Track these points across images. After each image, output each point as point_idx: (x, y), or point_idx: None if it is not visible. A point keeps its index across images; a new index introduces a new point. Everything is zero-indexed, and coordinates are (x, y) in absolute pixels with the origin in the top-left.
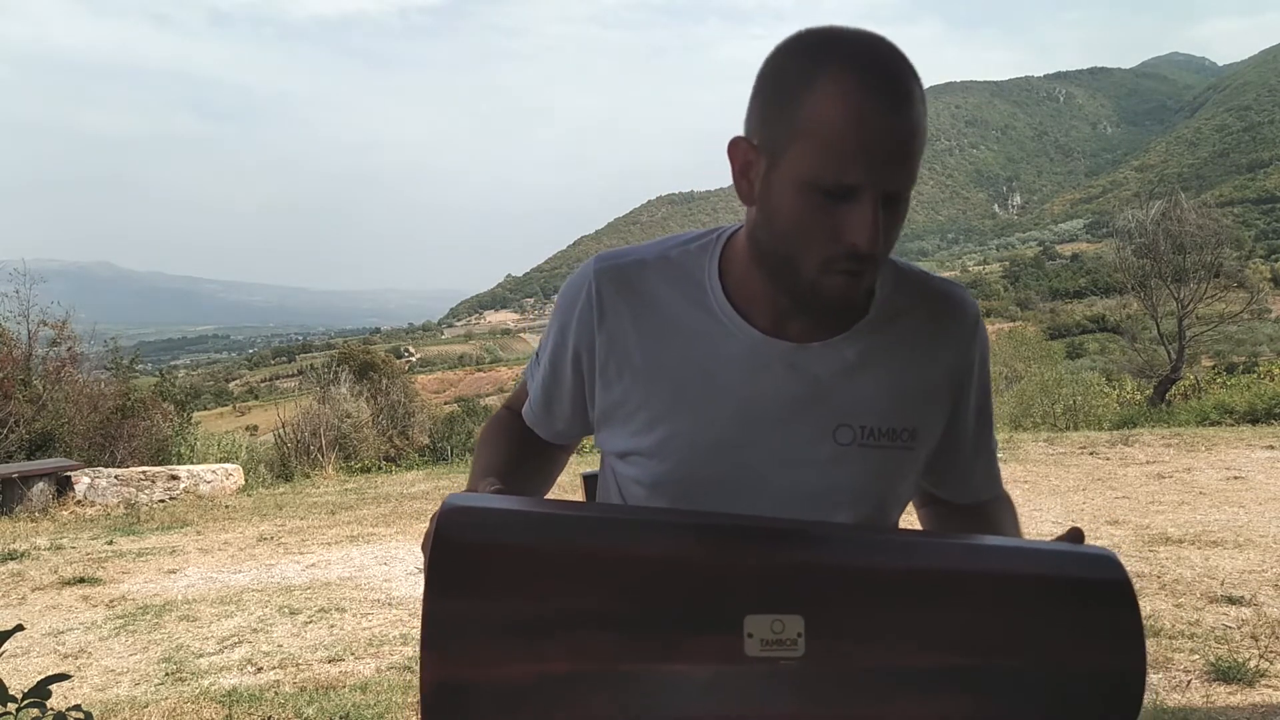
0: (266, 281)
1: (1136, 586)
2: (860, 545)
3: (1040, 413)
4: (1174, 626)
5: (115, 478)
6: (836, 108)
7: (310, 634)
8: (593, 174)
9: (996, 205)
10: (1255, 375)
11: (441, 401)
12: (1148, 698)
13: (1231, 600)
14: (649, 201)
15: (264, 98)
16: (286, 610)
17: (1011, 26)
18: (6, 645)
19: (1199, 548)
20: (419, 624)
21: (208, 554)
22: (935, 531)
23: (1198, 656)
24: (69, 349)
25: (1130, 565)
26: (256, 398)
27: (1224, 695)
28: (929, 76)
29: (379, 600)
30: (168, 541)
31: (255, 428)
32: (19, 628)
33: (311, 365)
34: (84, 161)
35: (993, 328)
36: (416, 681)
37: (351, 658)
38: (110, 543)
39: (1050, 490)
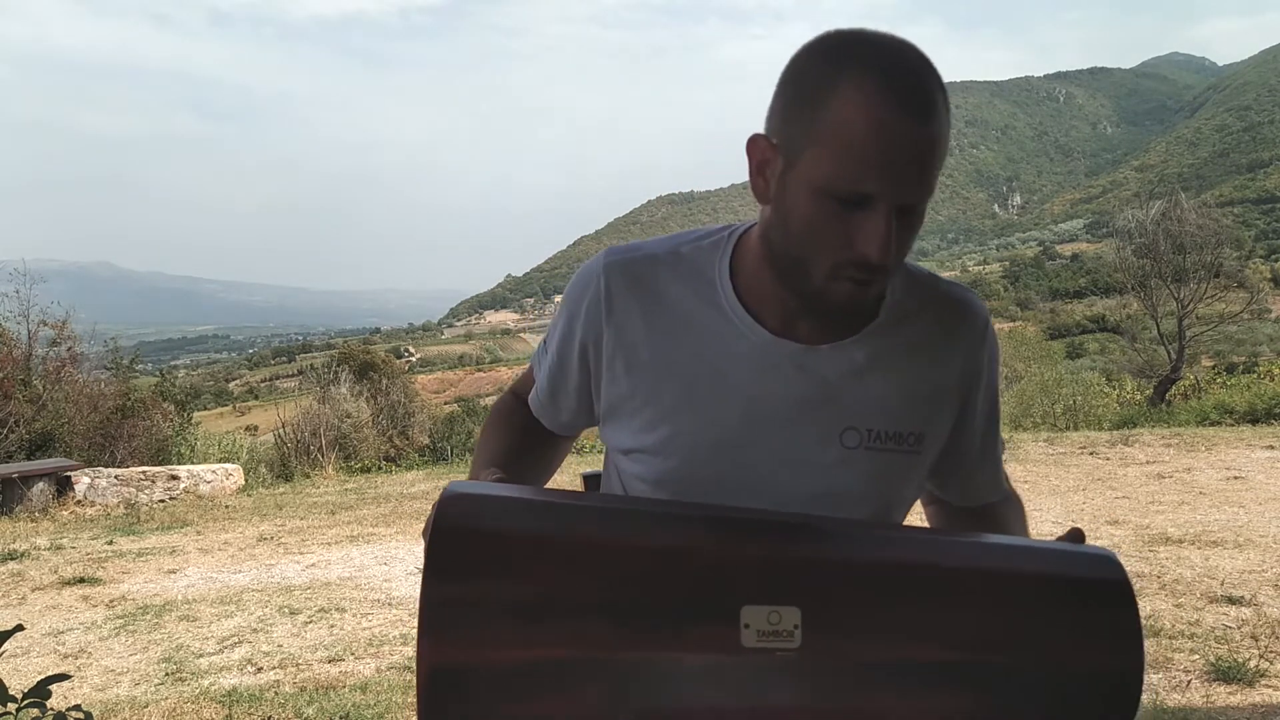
0: (266, 281)
1: (1136, 586)
2: (860, 540)
3: (1040, 413)
4: (1174, 626)
5: (115, 478)
6: (858, 115)
7: (310, 634)
8: (593, 174)
9: (996, 205)
10: (1255, 375)
11: (441, 401)
12: (1147, 698)
13: (1231, 600)
14: (649, 201)
15: (264, 98)
16: (286, 610)
17: (1011, 26)
18: (6, 645)
19: (1199, 548)
20: (419, 628)
21: (208, 554)
22: (936, 529)
23: (1198, 656)
24: (69, 349)
25: (1130, 565)
26: (256, 398)
27: (1224, 695)
28: None
29: (379, 600)
30: (168, 541)
31: (255, 428)
32: (19, 628)
33: (311, 365)
34: (84, 161)
35: None
36: (416, 681)
37: (351, 658)
38: (110, 543)
39: (1050, 490)
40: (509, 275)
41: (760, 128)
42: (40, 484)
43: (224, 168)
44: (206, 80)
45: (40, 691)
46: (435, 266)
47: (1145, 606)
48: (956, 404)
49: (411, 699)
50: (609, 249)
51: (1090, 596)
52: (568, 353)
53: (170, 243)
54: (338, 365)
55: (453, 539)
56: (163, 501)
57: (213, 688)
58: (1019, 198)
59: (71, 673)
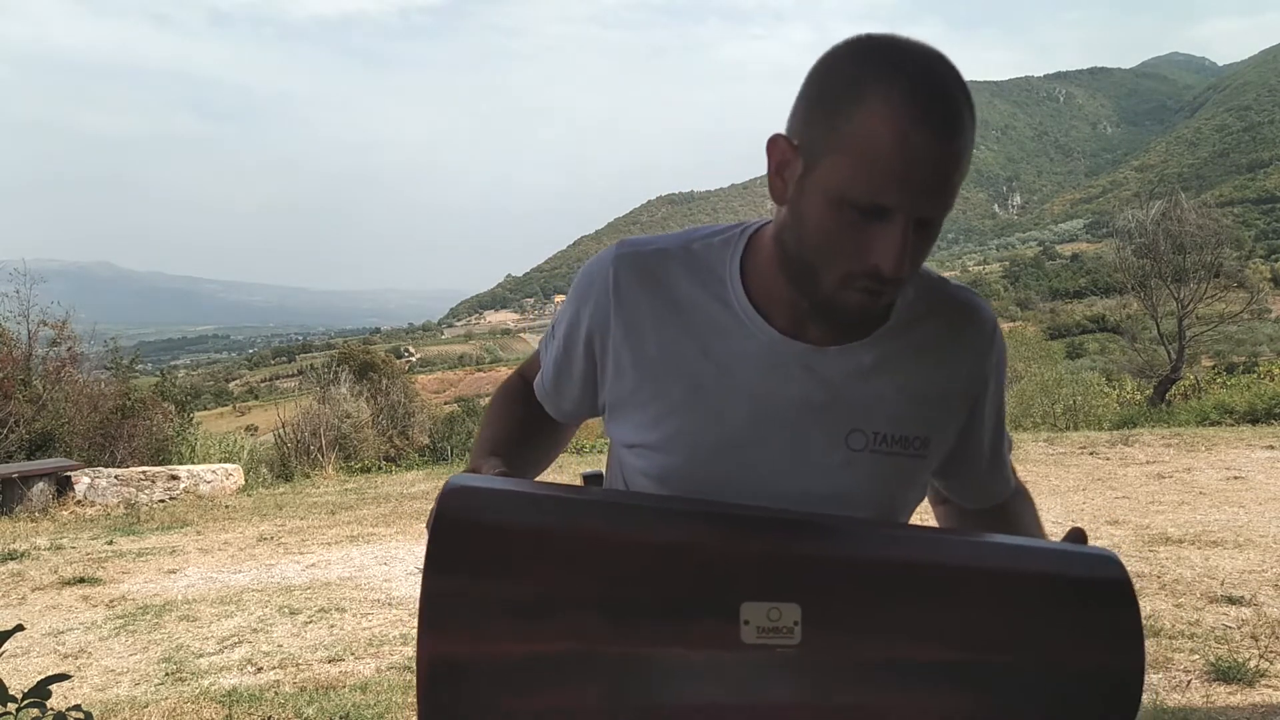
0: (266, 281)
1: (1136, 586)
2: (861, 538)
3: (1040, 413)
4: (1174, 626)
5: (115, 478)
6: (882, 127)
7: (310, 634)
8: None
9: (996, 205)
10: (1255, 375)
11: (441, 401)
12: (1148, 698)
13: (1231, 600)
14: (649, 201)
15: (264, 98)
16: (286, 610)
17: (1011, 26)
18: (6, 645)
19: (1199, 548)
20: (419, 621)
21: (208, 554)
22: (938, 528)
23: (1198, 656)
24: (69, 349)
25: (1130, 565)
26: (256, 398)
27: (1224, 695)
28: None
29: (379, 600)
30: (168, 541)
31: (255, 428)
32: (19, 628)
33: (311, 365)
34: (84, 161)
35: None
36: (416, 674)
37: (351, 658)
38: (110, 543)
39: (1050, 490)
40: (509, 275)
41: (760, 128)
42: (40, 484)
43: (224, 168)
44: (206, 80)
45: (40, 691)
46: (435, 266)
47: (1145, 606)
48: (964, 409)
49: (411, 699)
50: (621, 240)
51: (1091, 596)
52: (574, 341)
53: (170, 243)
54: (338, 365)
55: (454, 532)
56: (163, 501)
57: (213, 688)
58: (1019, 198)
59: (71, 673)
